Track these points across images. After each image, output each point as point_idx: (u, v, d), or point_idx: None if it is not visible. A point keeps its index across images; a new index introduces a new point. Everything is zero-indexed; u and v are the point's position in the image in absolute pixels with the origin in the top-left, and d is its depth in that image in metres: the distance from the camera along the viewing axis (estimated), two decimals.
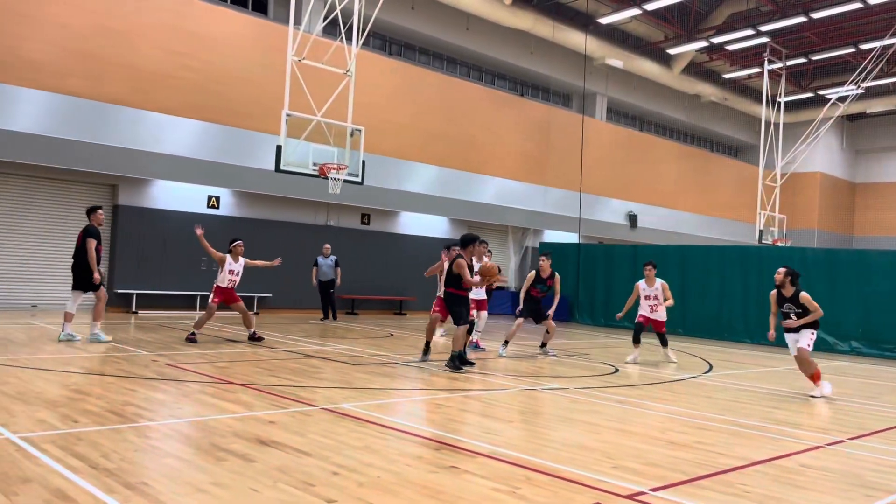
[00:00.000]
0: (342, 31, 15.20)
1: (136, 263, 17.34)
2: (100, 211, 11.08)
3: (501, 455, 5.36)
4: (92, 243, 10.66)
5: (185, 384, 7.78)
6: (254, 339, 11.96)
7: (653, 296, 12.44)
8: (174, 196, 17.99)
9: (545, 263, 12.42)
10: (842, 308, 16.80)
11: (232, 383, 7.92)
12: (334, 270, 17.62)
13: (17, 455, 4.71)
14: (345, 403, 7.10)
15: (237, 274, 12.01)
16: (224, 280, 11.86)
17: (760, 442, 6.46)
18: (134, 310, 17.01)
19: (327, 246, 17.79)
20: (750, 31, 26.48)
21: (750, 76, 32.66)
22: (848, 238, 39.27)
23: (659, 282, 12.48)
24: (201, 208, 18.40)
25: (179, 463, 4.78)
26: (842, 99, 29.91)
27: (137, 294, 17.15)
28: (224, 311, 17.12)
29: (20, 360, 8.81)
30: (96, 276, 10.69)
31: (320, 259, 17.69)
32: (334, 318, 17.83)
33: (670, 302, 12.49)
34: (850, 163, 40.15)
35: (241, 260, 12.07)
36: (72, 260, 10.93)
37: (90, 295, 11.03)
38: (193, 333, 11.58)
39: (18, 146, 15.21)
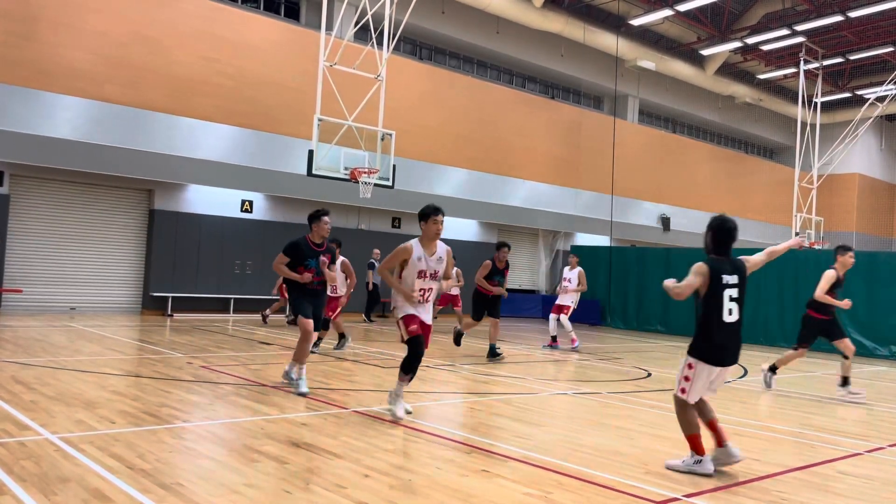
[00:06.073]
0: (373, 36, 15.29)
1: (171, 267, 17.60)
2: (324, 218, 8.11)
3: (533, 459, 5.33)
4: (281, 260, 7.90)
5: (219, 386, 7.87)
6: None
7: None
8: (208, 200, 18.23)
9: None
10: (880, 311, 16.47)
11: (265, 385, 7.99)
12: None
13: (56, 455, 4.81)
14: (376, 406, 7.12)
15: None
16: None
17: (797, 448, 6.34)
18: (169, 312, 17.25)
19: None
20: (785, 31, 26.06)
21: (785, 76, 32.13)
22: (887, 241, 38.41)
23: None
24: (235, 212, 18.63)
25: (213, 464, 4.84)
26: (880, 99, 29.27)
27: (172, 297, 17.39)
28: (255, 316, 17.31)
29: (59, 361, 8.99)
30: (283, 292, 8.80)
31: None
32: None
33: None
34: (890, 164, 39.28)
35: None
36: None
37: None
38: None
39: (58, 152, 15.52)
